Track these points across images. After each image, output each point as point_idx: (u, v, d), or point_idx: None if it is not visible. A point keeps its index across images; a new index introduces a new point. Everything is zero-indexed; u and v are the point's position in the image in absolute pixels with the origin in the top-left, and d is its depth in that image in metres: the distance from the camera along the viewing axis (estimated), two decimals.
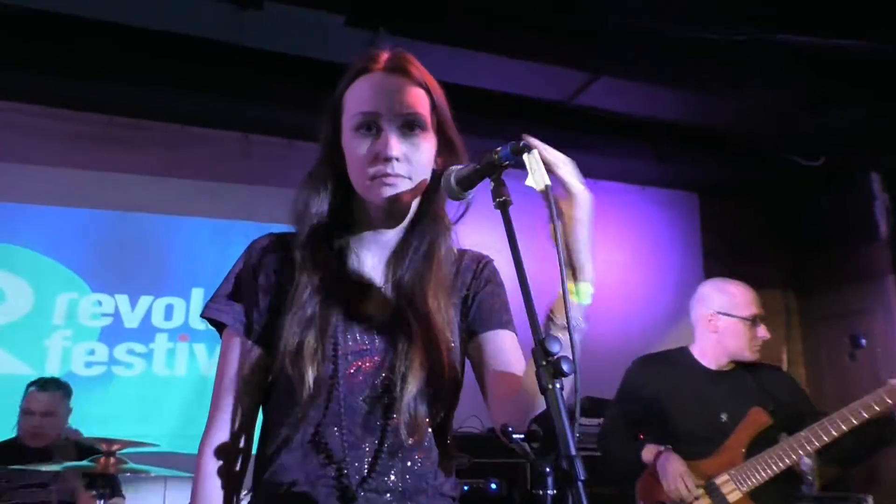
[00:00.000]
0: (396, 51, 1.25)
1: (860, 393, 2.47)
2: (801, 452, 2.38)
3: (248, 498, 1.23)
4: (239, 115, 4.40)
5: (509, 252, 1.03)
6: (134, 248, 4.22)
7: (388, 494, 1.14)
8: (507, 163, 1.06)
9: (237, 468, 1.21)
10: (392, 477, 1.14)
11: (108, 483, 3.10)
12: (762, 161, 5.00)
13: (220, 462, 1.17)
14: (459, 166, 1.14)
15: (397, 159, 1.16)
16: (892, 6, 3.45)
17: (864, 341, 4.44)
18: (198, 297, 4.26)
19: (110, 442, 2.70)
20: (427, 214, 1.25)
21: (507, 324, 1.27)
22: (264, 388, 1.23)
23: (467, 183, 1.11)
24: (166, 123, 4.40)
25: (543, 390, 0.93)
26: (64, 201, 4.17)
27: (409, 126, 1.19)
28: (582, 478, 0.87)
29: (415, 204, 1.25)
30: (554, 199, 1.01)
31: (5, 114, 4.12)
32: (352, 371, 1.17)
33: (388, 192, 1.17)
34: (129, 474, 3.01)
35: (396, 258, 1.25)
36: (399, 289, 1.23)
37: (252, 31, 3.67)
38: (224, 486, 1.17)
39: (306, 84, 4.07)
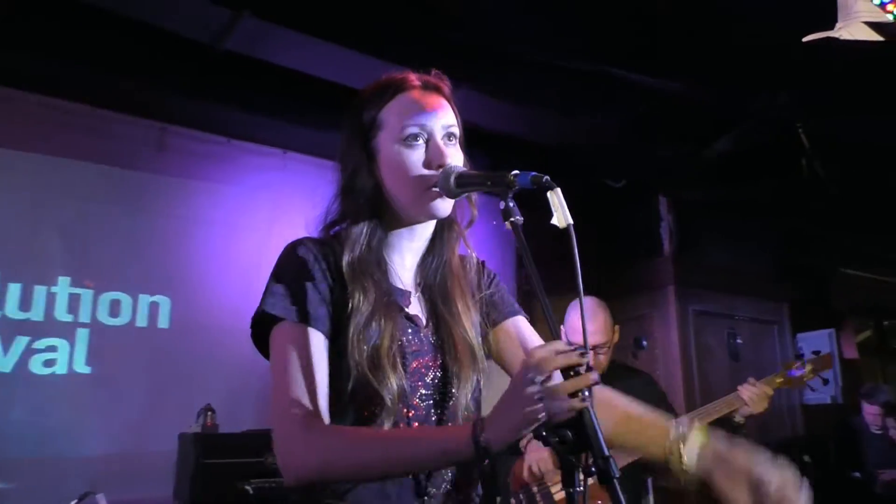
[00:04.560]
0: (433, 72, 1.34)
1: None
2: None
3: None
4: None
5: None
6: None
7: (444, 485, 1.24)
8: (519, 188, 1.16)
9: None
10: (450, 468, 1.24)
11: None
12: (574, 178, 5.49)
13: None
14: (462, 168, 1.25)
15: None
16: (704, 58, 3.99)
17: (645, 343, 5.09)
18: None
19: None
20: (447, 223, 1.34)
21: (519, 310, 1.43)
22: None
23: (467, 188, 1.23)
24: None
25: None
26: None
27: (450, 137, 1.28)
28: (616, 475, 0.97)
29: None
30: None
31: None
32: (412, 369, 1.24)
33: (440, 205, 1.25)
34: None
35: (424, 264, 1.35)
36: (430, 292, 1.33)
37: None
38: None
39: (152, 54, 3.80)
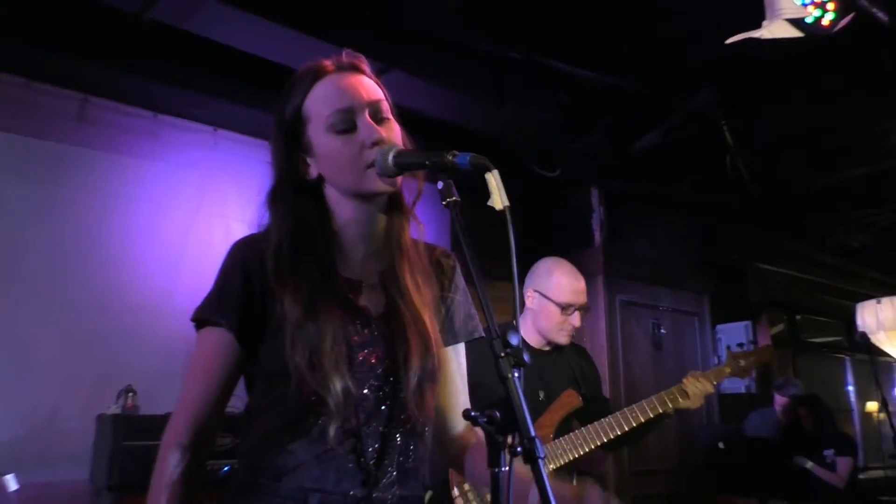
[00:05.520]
0: (344, 53, 1.30)
1: None
2: (603, 439, 2.54)
3: None
4: None
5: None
6: None
7: (392, 475, 1.21)
8: (459, 169, 1.15)
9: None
10: (397, 458, 1.22)
11: None
12: (510, 167, 5.54)
13: (190, 455, 1.23)
14: (399, 146, 1.23)
15: (383, 142, 1.21)
16: (636, 53, 4.07)
17: None
18: None
19: None
20: (394, 202, 1.30)
21: (471, 332, 1.42)
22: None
23: (405, 167, 1.21)
24: None
25: (503, 379, 1.04)
26: None
27: (379, 112, 1.25)
28: (542, 456, 0.99)
29: None
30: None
31: None
32: (359, 360, 1.21)
33: (381, 182, 1.22)
34: None
35: (378, 249, 1.30)
36: (384, 278, 1.29)
37: None
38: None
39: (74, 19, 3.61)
